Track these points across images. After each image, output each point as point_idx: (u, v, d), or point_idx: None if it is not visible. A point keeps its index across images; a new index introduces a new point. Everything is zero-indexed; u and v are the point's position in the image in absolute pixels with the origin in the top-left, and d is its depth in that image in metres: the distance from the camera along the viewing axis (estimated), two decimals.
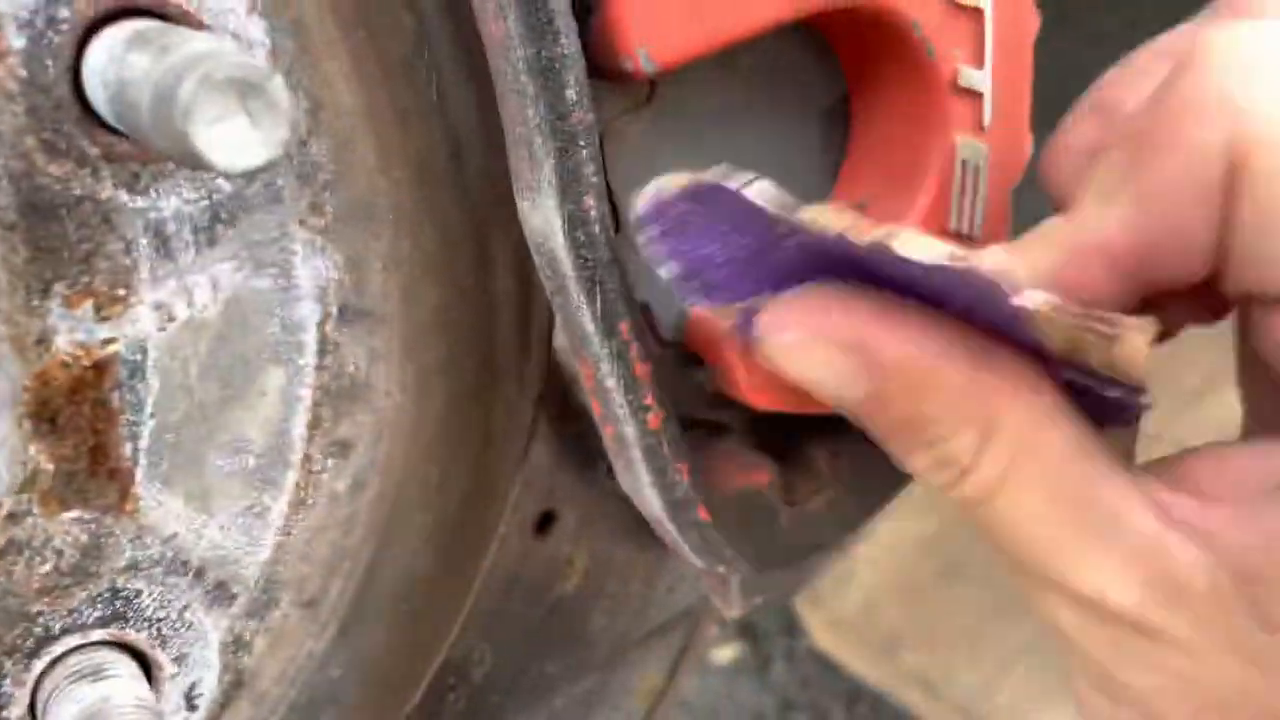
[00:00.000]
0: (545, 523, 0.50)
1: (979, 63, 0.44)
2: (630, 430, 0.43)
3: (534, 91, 0.36)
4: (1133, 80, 0.39)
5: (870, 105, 0.46)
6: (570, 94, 0.37)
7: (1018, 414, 0.34)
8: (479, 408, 0.44)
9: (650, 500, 0.45)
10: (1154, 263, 0.34)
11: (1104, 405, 0.35)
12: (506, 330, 0.44)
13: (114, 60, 0.30)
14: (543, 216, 0.39)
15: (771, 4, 0.39)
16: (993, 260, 0.34)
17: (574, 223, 0.38)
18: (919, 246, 0.33)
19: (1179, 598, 0.32)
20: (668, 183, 0.37)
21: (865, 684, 1.42)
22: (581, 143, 0.37)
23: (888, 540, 1.35)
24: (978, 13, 0.43)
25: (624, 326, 0.40)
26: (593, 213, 0.38)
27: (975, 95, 0.44)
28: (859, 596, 1.43)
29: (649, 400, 0.42)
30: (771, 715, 1.50)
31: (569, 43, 0.36)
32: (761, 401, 0.44)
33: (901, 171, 0.46)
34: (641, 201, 0.37)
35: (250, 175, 0.25)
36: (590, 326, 0.40)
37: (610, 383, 0.42)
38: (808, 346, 0.36)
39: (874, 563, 1.39)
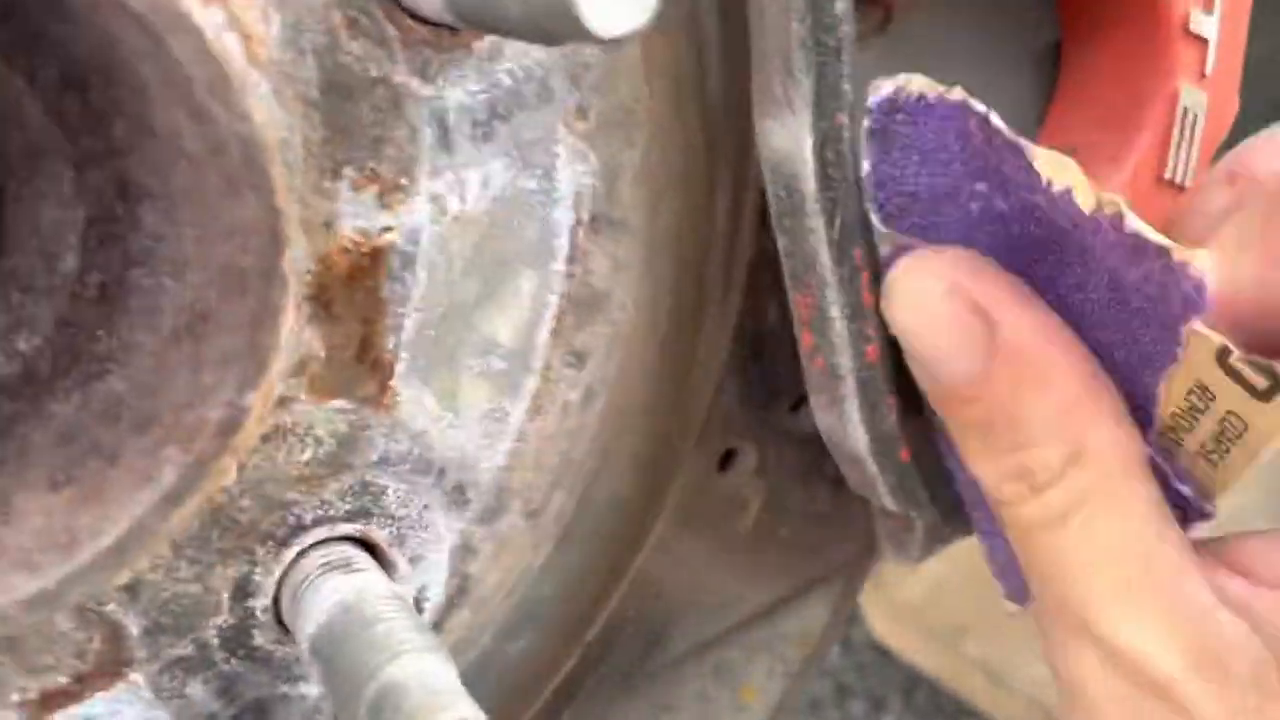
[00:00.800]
0: (727, 459, 0.50)
1: (1209, 7, 0.44)
2: (846, 361, 0.42)
3: (802, 4, 0.36)
4: (1269, 150, 0.39)
5: (1088, 48, 0.46)
6: (839, 6, 0.36)
7: (1112, 449, 0.33)
8: (690, 333, 0.43)
9: (854, 437, 0.44)
10: (1275, 319, 0.34)
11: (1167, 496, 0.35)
12: (718, 257, 0.44)
13: None
14: (790, 134, 0.39)
15: None
16: (1201, 265, 0.33)
17: (826, 140, 0.38)
18: (1148, 226, 0.33)
19: (1219, 675, 0.32)
20: (912, 83, 0.37)
21: (922, 673, 1.42)
22: (843, 58, 0.37)
23: None
24: None
25: (857, 253, 0.40)
26: (845, 131, 0.38)
27: (1202, 42, 0.44)
28: (924, 586, 1.42)
29: (871, 331, 0.42)
30: (829, 702, 1.49)
31: None
32: None
33: (1118, 116, 0.46)
34: (875, 92, 0.37)
35: (615, 43, 0.25)
36: (824, 250, 0.40)
37: (834, 311, 0.41)
38: (937, 297, 0.36)
39: (941, 553, 1.38)
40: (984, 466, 0.35)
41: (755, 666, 0.54)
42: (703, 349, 0.45)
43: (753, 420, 0.50)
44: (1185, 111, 0.45)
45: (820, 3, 0.36)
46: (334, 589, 0.34)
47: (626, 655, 0.50)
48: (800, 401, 0.52)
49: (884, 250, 0.40)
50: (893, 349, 0.42)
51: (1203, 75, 0.44)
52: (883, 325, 0.41)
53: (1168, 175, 0.45)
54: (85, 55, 0.30)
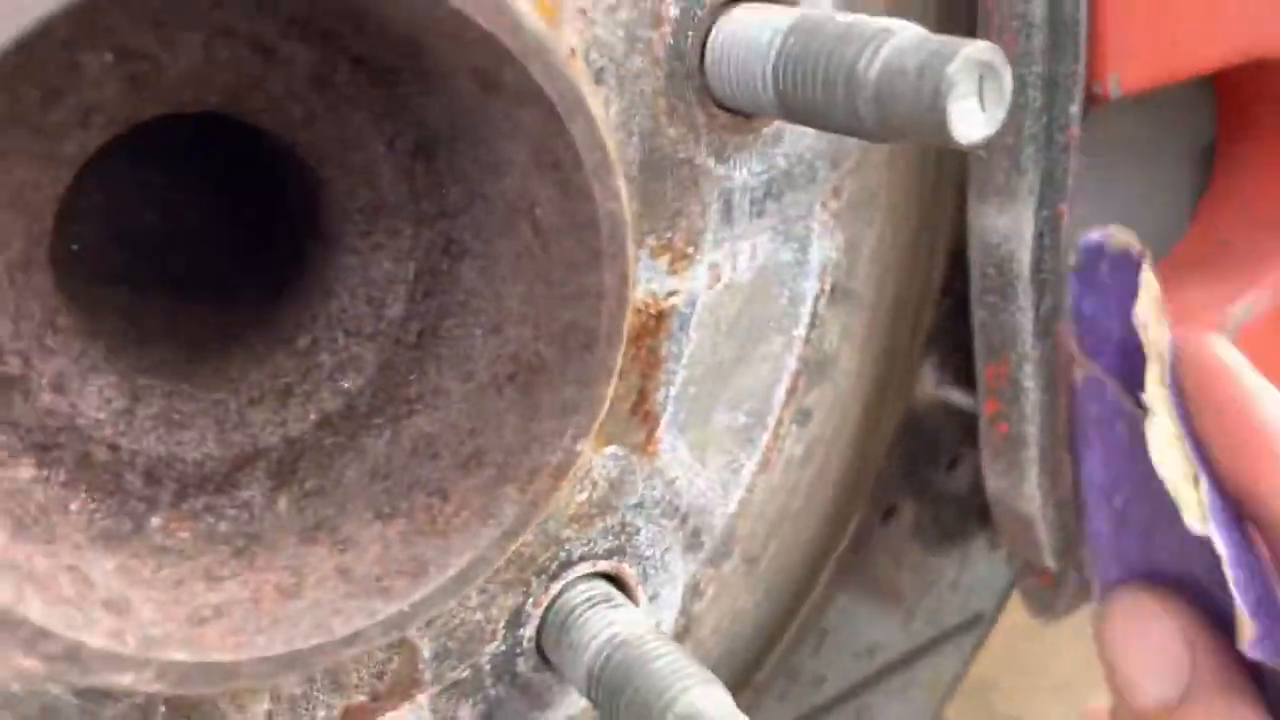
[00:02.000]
0: (888, 515, 0.53)
1: None
2: (1033, 430, 0.46)
3: (1039, 105, 0.40)
4: None
5: (1244, 148, 0.50)
6: (1073, 109, 0.40)
7: None
8: (887, 397, 0.47)
9: (1029, 499, 0.48)
10: None
11: None
12: (915, 329, 0.47)
13: (758, 33, 0.33)
14: (1010, 219, 0.42)
15: (1226, 46, 0.43)
16: None
17: (1045, 228, 0.42)
18: None
19: None
20: (1118, 236, 0.41)
21: None
22: (1068, 155, 0.41)
23: None
24: None
25: (1059, 328, 0.44)
26: (1063, 220, 0.42)
27: None
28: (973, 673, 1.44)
29: (1062, 401, 0.45)
30: None
31: (1080, 63, 0.40)
32: None
33: (1270, 215, 0.50)
34: (1085, 237, 0.41)
35: (978, 144, 0.28)
36: (1028, 326, 0.43)
37: (1029, 382, 0.45)
38: (1154, 629, 0.40)
39: None
40: None
41: (889, 712, 0.57)
42: (890, 413, 0.48)
43: (913, 480, 0.53)
44: None
45: (1057, 103, 0.40)
46: (607, 622, 0.36)
47: (785, 698, 0.53)
48: (953, 464, 0.55)
49: (1078, 375, 0.43)
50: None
51: None
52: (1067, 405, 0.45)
53: None
54: (440, 127, 0.33)
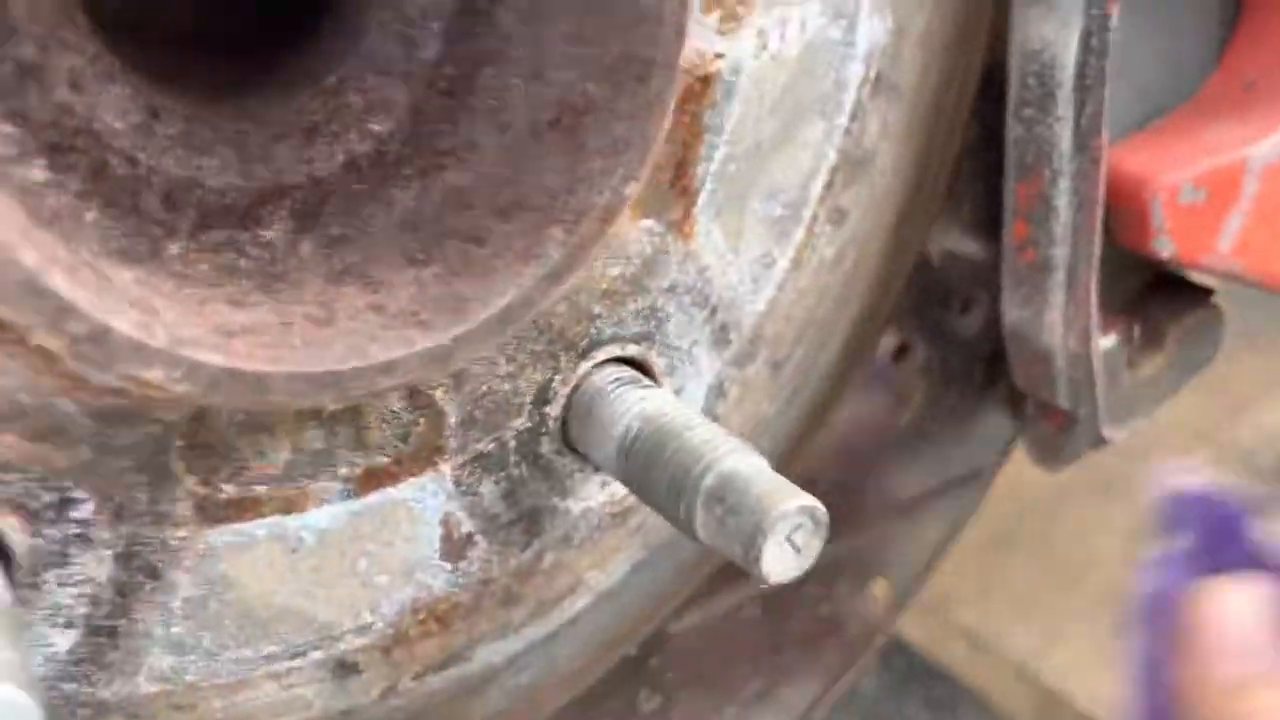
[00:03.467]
0: (901, 352, 0.52)
1: None
2: (1062, 252, 0.45)
3: None
4: None
5: None
6: None
7: None
8: (917, 213, 0.45)
9: (1050, 329, 0.47)
10: None
11: None
12: (947, 145, 0.46)
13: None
14: (1058, 22, 0.41)
15: None
16: None
17: (1093, 30, 0.40)
18: None
19: None
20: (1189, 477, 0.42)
21: (902, 640, 1.46)
22: None
23: None
24: None
25: (1096, 144, 0.43)
26: (1112, 21, 0.40)
27: None
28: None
29: (1094, 223, 0.44)
30: None
31: None
32: (1170, 250, 0.46)
33: None
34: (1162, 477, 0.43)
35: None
36: (1067, 138, 0.42)
37: (1062, 200, 0.44)
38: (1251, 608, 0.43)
39: None
40: None
41: (888, 556, 0.56)
42: (913, 230, 0.47)
43: (925, 320, 0.52)
44: None
45: None
46: (638, 398, 0.35)
47: None
48: (965, 308, 0.55)
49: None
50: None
51: None
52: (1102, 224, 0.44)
53: None
54: None
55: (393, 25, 0.33)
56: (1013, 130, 0.44)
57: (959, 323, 0.53)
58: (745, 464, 0.32)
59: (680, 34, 0.29)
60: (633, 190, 0.30)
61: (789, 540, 0.30)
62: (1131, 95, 0.50)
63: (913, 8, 0.39)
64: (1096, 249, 0.45)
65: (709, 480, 0.31)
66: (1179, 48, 0.51)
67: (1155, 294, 0.52)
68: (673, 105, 0.30)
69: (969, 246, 0.50)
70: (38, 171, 0.27)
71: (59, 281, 0.23)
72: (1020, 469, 0.59)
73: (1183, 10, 0.50)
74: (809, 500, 0.30)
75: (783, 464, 0.47)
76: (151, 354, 0.25)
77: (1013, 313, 0.48)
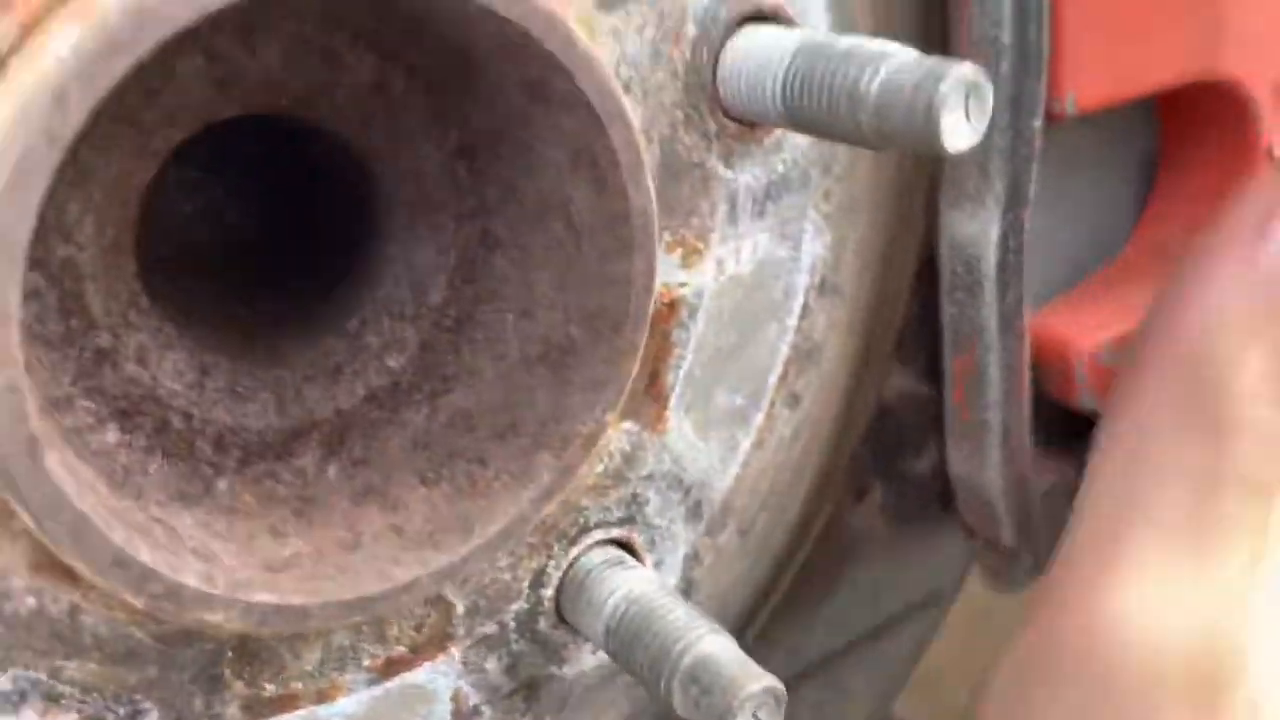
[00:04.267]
0: (860, 495, 0.57)
1: None
2: (995, 416, 0.50)
3: (1005, 122, 0.44)
4: None
5: (1185, 159, 0.55)
6: (1034, 124, 0.45)
7: None
8: (864, 384, 0.51)
9: (990, 482, 0.52)
10: None
11: None
12: (889, 322, 0.51)
13: (767, 53, 0.37)
14: (979, 224, 0.47)
15: (1175, 68, 0.48)
16: None
17: (1010, 230, 0.46)
18: None
19: None
20: None
21: None
22: (1030, 166, 0.45)
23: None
24: None
25: (1019, 324, 0.48)
26: (1025, 225, 0.46)
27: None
28: (947, 653, 1.50)
29: (1022, 389, 0.50)
30: None
31: (1042, 83, 0.44)
32: (1093, 405, 0.52)
33: (1209, 220, 0.55)
34: None
35: (964, 152, 0.33)
36: (993, 319, 0.48)
37: (993, 371, 0.49)
38: None
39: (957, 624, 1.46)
40: None
41: (858, 682, 0.61)
42: (864, 398, 0.52)
43: (883, 464, 0.58)
44: None
45: (1023, 120, 0.44)
46: (621, 581, 0.40)
47: (765, 665, 0.57)
48: (919, 451, 0.60)
49: None
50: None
51: None
52: (1030, 389, 0.50)
53: None
54: (484, 131, 0.36)
55: (404, 276, 0.38)
56: (947, 311, 0.50)
57: (913, 465, 0.58)
58: (717, 646, 0.37)
59: (648, 290, 0.35)
60: (612, 418, 0.35)
61: (755, 716, 0.35)
62: (1056, 262, 0.56)
63: (849, 225, 0.44)
64: (1026, 411, 0.50)
65: (686, 661, 0.36)
66: (1100, 214, 0.57)
67: (1083, 438, 0.58)
68: (644, 344, 0.35)
69: (919, 398, 0.55)
70: (111, 435, 0.33)
71: (143, 553, 0.28)
72: None
73: (1103, 178, 0.56)
74: (771, 681, 0.35)
75: (748, 617, 0.52)
76: (215, 600, 0.30)
77: (957, 465, 0.54)
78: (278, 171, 0.41)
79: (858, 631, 0.60)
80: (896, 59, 0.34)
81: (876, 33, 0.43)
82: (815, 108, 0.36)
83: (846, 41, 0.36)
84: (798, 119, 0.37)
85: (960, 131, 0.33)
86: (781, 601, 0.56)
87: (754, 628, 0.55)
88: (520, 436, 0.36)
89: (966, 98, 0.33)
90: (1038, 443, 0.57)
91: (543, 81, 0.32)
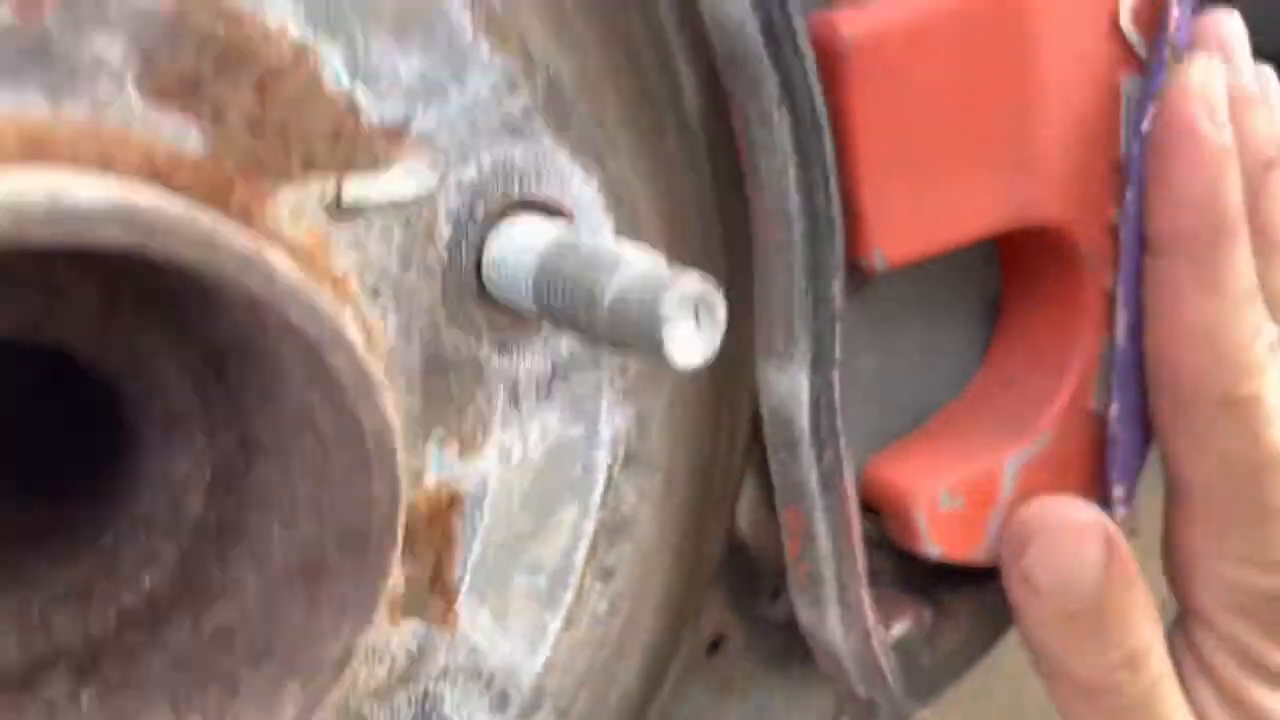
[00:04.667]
0: (714, 646, 0.56)
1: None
2: (828, 571, 0.49)
3: (805, 285, 0.44)
4: None
5: (1024, 301, 0.54)
6: (835, 287, 0.44)
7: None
8: (696, 543, 0.50)
9: (833, 632, 0.51)
10: None
11: None
12: (721, 481, 0.50)
13: (522, 251, 0.36)
14: (790, 380, 0.46)
15: (989, 218, 0.47)
16: None
17: (820, 392, 0.45)
18: None
19: None
20: None
21: None
22: (835, 327, 0.45)
23: None
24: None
25: (841, 484, 0.47)
26: (835, 385, 0.45)
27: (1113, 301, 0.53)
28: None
29: (852, 544, 0.48)
30: None
31: (836, 247, 0.44)
32: (937, 551, 0.51)
33: (1050, 358, 0.54)
34: None
35: (699, 367, 0.32)
36: (814, 479, 0.47)
37: (821, 528, 0.48)
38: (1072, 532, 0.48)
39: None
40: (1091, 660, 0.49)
41: None
42: (704, 556, 0.51)
43: (739, 610, 0.56)
44: (1102, 359, 0.53)
45: (822, 283, 0.43)
46: None
47: None
48: (777, 592, 0.59)
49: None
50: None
51: (1113, 328, 0.53)
52: (860, 540, 0.48)
53: (1095, 409, 0.53)
54: (227, 342, 0.35)
55: (161, 488, 0.37)
56: (773, 469, 0.49)
57: (771, 609, 0.57)
58: None
59: (393, 508, 0.34)
60: (362, 643, 0.34)
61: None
62: (897, 403, 0.55)
63: (652, 395, 0.43)
64: (860, 565, 0.49)
65: None
66: (941, 356, 0.56)
67: (944, 576, 0.57)
68: (393, 565, 0.34)
69: (768, 548, 0.54)
70: None
71: None
72: None
73: (945, 313, 0.56)
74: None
75: None
76: None
77: (802, 614, 0.52)
78: (18, 389, 0.40)
79: None
80: (630, 269, 0.33)
81: (673, 222, 0.43)
82: (561, 307, 0.35)
83: (590, 244, 0.35)
84: (550, 317, 0.36)
85: (691, 345, 0.32)
86: None
87: None
88: (272, 660, 0.35)
89: (695, 310, 0.32)
90: (896, 585, 0.56)
91: (259, 307, 0.31)
